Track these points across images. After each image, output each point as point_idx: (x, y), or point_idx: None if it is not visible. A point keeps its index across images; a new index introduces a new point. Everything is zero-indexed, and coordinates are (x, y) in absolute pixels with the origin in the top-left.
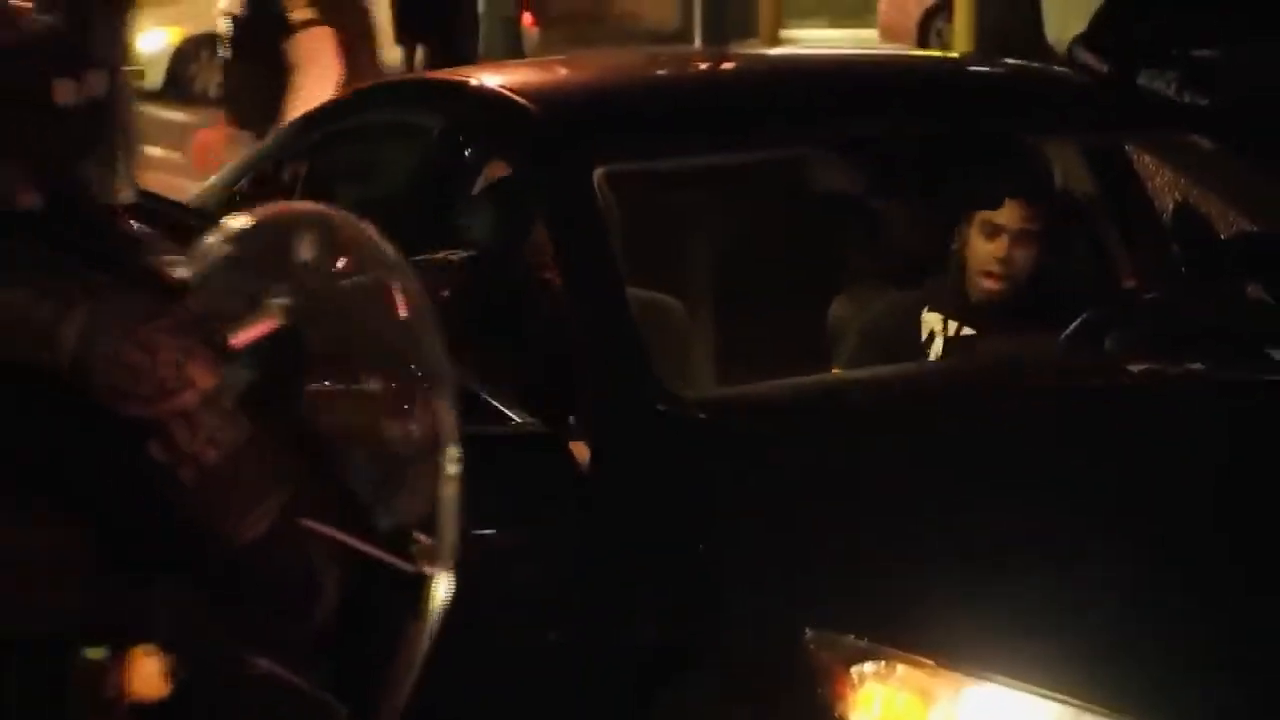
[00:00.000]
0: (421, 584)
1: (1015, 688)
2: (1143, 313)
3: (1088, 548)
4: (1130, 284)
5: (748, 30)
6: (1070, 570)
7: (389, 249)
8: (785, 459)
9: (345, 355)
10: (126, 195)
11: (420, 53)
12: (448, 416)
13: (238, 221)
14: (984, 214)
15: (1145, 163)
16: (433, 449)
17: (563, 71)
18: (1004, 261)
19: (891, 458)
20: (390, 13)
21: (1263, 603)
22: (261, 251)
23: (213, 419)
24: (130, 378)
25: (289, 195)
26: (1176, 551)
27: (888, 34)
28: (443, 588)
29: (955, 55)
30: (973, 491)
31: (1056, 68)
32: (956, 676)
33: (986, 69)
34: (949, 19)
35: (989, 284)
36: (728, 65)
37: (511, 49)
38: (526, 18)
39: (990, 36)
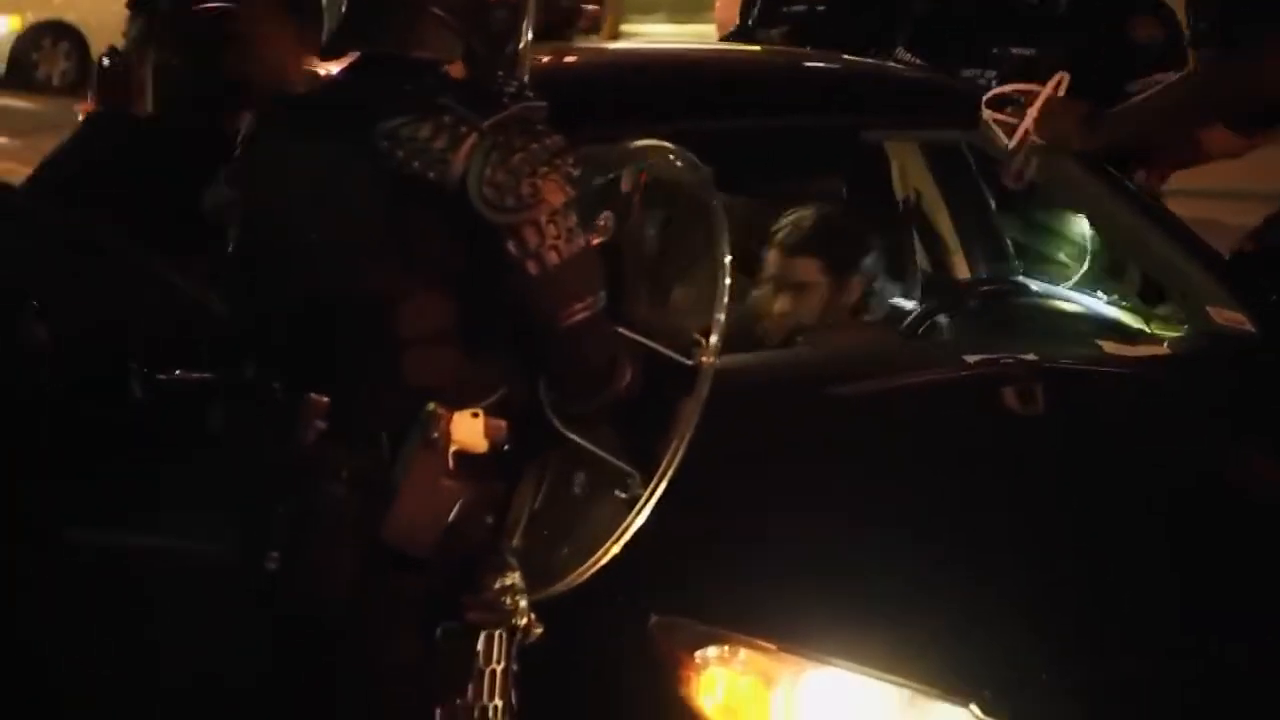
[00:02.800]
0: (697, 373)
1: (855, 671)
2: (979, 304)
3: (927, 534)
4: (967, 276)
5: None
6: (910, 556)
7: (701, 188)
8: None
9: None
10: (523, 73)
11: None
12: (724, 261)
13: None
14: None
15: (980, 158)
16: (711, 286)
17: None
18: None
19: (735, 445)
20: None
21: (1103, 589)
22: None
23: (557, 229)
24: (497, 194)
25: None
26: (1016, 538)
27: (725, 29)
28: (710, 376)
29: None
30: (815, 479)
31: (895, 64)
32: (798, 660)
33: (828, 65)
34: None
35: None
36: (571, 59)
37: None
38: None
39: None
